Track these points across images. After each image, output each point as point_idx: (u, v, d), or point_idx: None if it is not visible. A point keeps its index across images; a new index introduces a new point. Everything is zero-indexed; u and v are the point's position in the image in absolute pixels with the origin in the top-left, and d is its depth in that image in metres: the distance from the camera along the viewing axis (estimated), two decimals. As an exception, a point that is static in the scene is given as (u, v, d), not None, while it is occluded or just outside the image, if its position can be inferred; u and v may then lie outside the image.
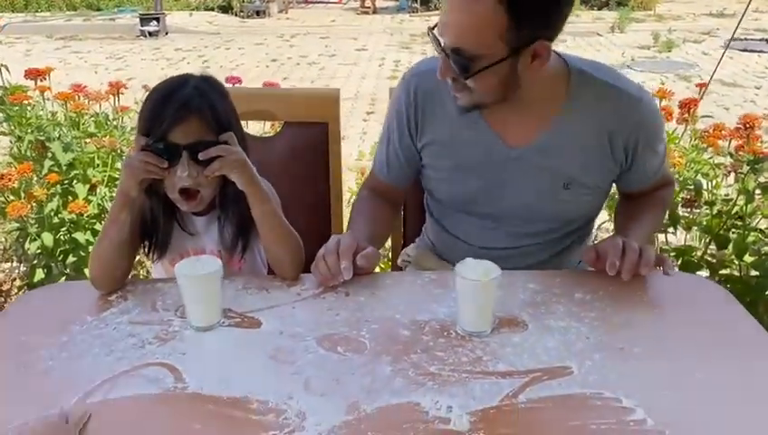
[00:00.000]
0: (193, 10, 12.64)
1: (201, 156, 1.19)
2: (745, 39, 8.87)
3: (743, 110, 5.39)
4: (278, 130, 1.82)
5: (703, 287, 1.31)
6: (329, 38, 10.10)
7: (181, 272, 1.08)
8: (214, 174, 1.21)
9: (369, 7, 12.65)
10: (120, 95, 2.38)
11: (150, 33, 10.18)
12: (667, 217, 2.14)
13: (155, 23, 10.28)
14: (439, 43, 1.20)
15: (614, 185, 1.45)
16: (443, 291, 1.22)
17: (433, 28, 1.22)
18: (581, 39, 9.35)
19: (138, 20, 10.50)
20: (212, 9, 12.68)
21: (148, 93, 1.26)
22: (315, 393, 0.95)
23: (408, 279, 1.28)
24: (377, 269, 1.31)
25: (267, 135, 2.12)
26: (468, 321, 1.07)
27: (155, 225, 1.30)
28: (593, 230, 1.60)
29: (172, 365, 1.02)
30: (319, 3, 14.17)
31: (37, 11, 12.46)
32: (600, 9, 12.17)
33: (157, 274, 1.41)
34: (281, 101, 1.80)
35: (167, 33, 10.41)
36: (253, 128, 2.01)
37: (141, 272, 2.36)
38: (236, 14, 12.26)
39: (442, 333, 1.09)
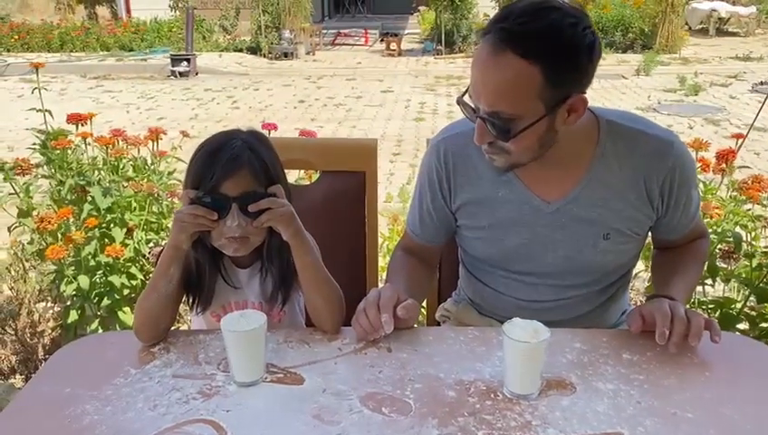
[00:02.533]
0: (222, 51, 12.94)
1: (251, 208, 1.20)
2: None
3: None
4: (313, 177, 1.84)
5: (752, 348, 1.27)
6: (355, 80, 10.25)
7: (227, 327, 1.08)
8: (262, 225, 1.22)
9: (394, 50, 12.85)
10: (159, 141, 2.42)
11: (181, 74, 10.43)
12: (709, 270, 2.10)
13: (185, 63, 10.54)
14: (473, 110, 1.19)
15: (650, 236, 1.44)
16: (486, 349, 1.20)
17: (462, 95, 1.21)
18: (606, 81, 9.37)
19: (169, 60, 10.78)
20: (241, 50, 12.96)
21: (197, 148, 1.28)
22: (362, 457, 0.93)
23: (450, 335, 1.26)
24: (415, 323, 1.31)
25: (302, 181, 2.14)
26: (516, 383, 1.06)
27: (201, 278, 1.31)
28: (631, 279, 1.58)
29: (217, 423, 1.01)
30: (345, 45, 14.43)
31: (72, 51, 12.84)
32: (624, 52, 12.22)
33: (196, 325, 1.41)
34: (319, 151, 1.82)
35: (197, 74, 10.66)
36: (288, 175, 2.03)
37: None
38: (265, 56, 12.51)
39: (489, 395, 1.07)
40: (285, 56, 12.46)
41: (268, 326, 1.16)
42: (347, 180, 1.77)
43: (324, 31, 14.84)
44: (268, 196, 1.22)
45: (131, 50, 12.76)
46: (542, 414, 1.02)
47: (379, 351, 1.20)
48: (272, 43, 12.61)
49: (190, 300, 1.34)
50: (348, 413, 1.03)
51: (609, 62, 10.96)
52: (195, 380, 1.12)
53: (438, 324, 1.62)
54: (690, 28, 13.54)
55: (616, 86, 9.27)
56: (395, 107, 8.27)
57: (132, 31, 13.50)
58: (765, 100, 2.75)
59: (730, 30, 14.53)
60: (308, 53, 12.96)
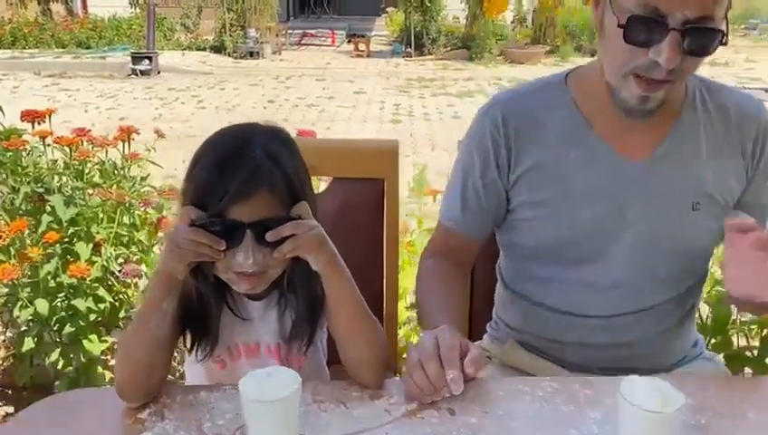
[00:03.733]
0: (185, 50, 12.50)
1: (269, 237, 0.92)
2: (744, 88, 8.84)
3: None
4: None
5: None
6: (325, 80, 9.95)
7: (250, 395, 0.80)
8: (285, 256, 0.94)
9: (363, 51, 12.60)
10: (131, 141, 2.10)
11: (142, 72, 9.98)
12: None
13: (147, 61, 10.10)
14: (657, 24, 0.97)
15: None
16: (575, 408, 0.94)
17: (627, 21, 0.99)
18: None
19: (129, 58, 10.32)
20: (204, 49, 12.55)
21: (201, 148, 0.99)
22: None
23: (524, 389, 0.99)
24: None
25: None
26: (638, 464, 0.80)
27: (203, 312, 1.02)
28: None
29: None
30: (312, 45, 14.12)
31: (25, 48, 12.23)
32: (592, 56, 12.18)
33: (191, 374, 1.11)
34: (332, 154, 1.54)
35: (159, 73, 10.22)
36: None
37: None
38: (229, 55, 12.12)
39: (599, 478, 0.81)
40: (251, 55, 12.09)
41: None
42: (363, 189, 1.49)
43: (290, 31, 14.51)
44: (291, 219, 0.94)
45: (89, 47, 12.21)
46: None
47: (440, 413, 0.93)
48: (236, 43, 12.24)
49: (188, 342, 1.04)
50: None
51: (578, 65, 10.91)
52: (203, 462, 0.83)
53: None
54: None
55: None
56: (369, 108, 8.01)
57: (90, 28, 12.93)
58: None
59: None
60: (274, 53, 12.62)
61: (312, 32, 14.91)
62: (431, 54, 12.27)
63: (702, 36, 0.98)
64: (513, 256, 1.28)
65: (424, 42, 12.36)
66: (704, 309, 1.99)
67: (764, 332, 1.95)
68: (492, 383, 1.03)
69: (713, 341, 1.99)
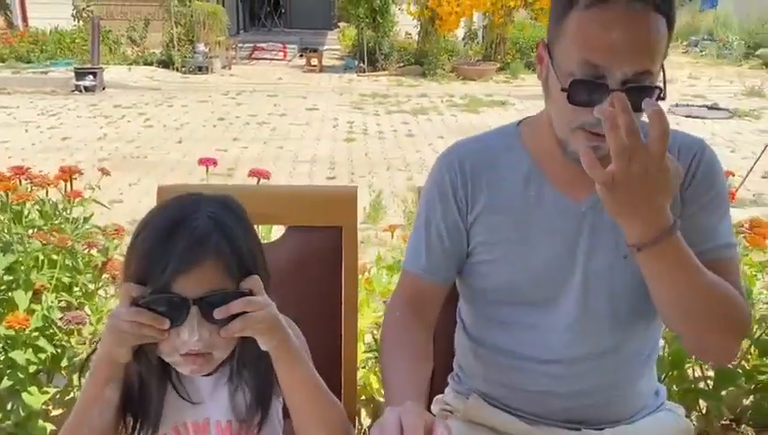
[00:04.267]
0: (131, 64, 12.19)
1: (217, 314, 0.87)
2: (688, 105, 9.16)
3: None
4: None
5: None
6: (277, 96, 9.84)
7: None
8: (233, 335, 0.89)
9: (315, 66, 12.54)
10: (74, 180, 2.00)
11: (87, 88, 9.68)
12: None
13: (91, 77, 9.80)
14: (598, 86, 0.98)
15: None
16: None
17: (569, 82, 0.99)
18: (529, 102, 9.44)
19: (72, 74, 9.99)
20: (151, 64, 12.26)
21: (143, 222, 0.93)
22: None
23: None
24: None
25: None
26: None
27: (144, 393, 0.95)
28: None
29: None
30: (263, 59, 13.98)
31: (-40, 61, 11.75)
32: (543, 72, 12.45)
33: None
34: (286, 202, 1.48)
35: (104, 89, 9.94)
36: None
37: None
38: (178, 70, 11.88)
39: None
40: (200, 70, 11.87)
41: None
42: (320, 237, 1.45)
43: (240, 45, 14.35)
44: (241, 294, 0.89)
45: (29, 61, 11.77)
46: None
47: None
48: (185, 57, 12.01)
49: (130, 424, 0.97)
50: None
51: (529, 82, 11.13)
52: None
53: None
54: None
55: (539, 106, 9.32)
56: (323, 126, 7.94)
57: (30, 41, 12.48)
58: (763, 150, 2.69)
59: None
60: (224, 68, 12.43)
61: (264, 45, 14.77)
62: (384, 70, 12.31)
63: (642, 94, 0.97)
64: (474, 300, 1.27)
65: (377, 57, 12.40)
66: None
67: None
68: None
69: (670, 373, 2.02)
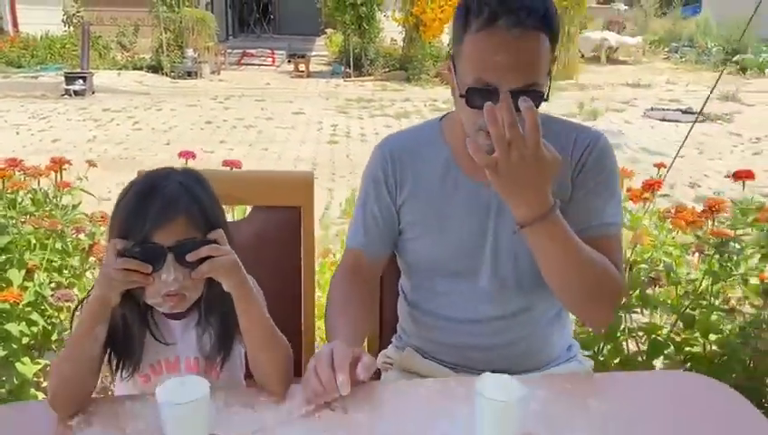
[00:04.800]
0: (121, 69, 12.35)
1: (189, 257, 1.06)
2: (663, 109, 9.41)
3: (670, 178, 5.63)
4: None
5: (713, 390, 1.25)
6: (264, 101, 10.04)
7: (165, 398, 0.94)
8: (202, 276, 1.09)
9: (303, 71, 12.74)
10: (63, 171, 2.19)
11: (76, 93, 9.83)
12: (637, 298, 2.14)
13: (81, 81, 9.96)
14: (489, 92, 1.13)
15: None
16: (451, 404, 1.12)
17: (464, 89, 1.17)
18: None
19: (62, 78, 10.15)
20: (141, 69, 12.43)
21: (123, 190, 1.13)
22: None
23: (409, 391, 1.17)
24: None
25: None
26: (491, 445, 0.98)
27: (127, 335, 1.15)
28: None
29: None
30: (252, 65, 14.17)
31: (-49, 67, 11.86)
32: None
33: (120, 391, 1.24)
34: (250, 184, 1.69)
35: (93, 93, 10.09)
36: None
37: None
38: (167, 75, 12.05)
39: (461, 459, 0.98)
40: (189, 75, 12.07)
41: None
42: (281, 216, 1.65)
43: (230, 50, 14.53)
44: (207, 242, 1.09)
45: (20, 66, 11.91)
46: (519, 478, 0.95)
47: (335, 413, 1.09)
48: (174, 62, 12.19)
49: (114, 362, 1.17)
50: (308, 491, 0.91)
51: (512, 86, 11.31)
52: (125, 460, 0.97)
53: (379, 373, 1.52)
54: (583, 56, 14.28)
55: (520, 110, 9.57)
56: (307, 129, 8.15)
57: (21, 46, 12.62)
58: (689, 131, 2.89)
59: (620, 58, 15.47)
60: (213, 73, 12.63)
61: (252, 51, 14.98)
62: (370, 75, 12.53)
63: (528, 95, 1.09)
64: (409, 272, 1.48)
65: (363, 63, 12.62)
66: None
67: (652, 337, 2.18)
68: (383, 386, 1.19)
69: (607, 347, 2.22)
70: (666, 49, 16.69)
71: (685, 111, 9.13)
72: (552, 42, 1.18)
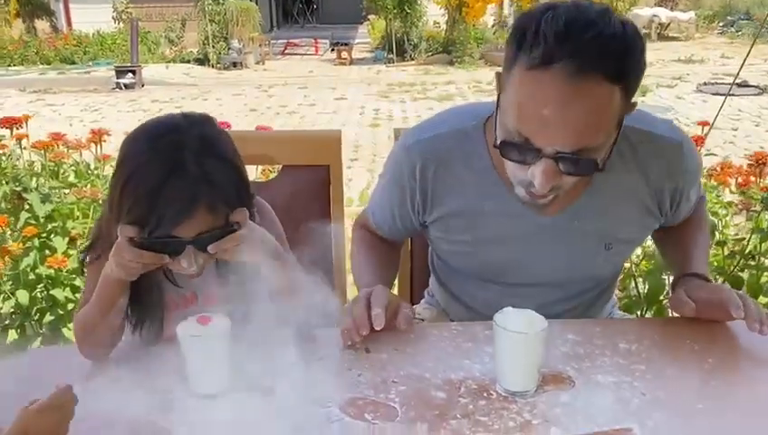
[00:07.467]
0: (169, 63, 12.63)
1: (210, 249, 1.02)
2: (716, 83, 9.07)
3: (723, 151, 5.43)
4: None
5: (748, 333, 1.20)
6: (307, 88, 10.11)
7: (186, 333, 0.95)
8: (224, 258, 1.06)
9: (345, 59, 12.77)
10: (103, 143, 2.25)
11: (126, 86, 10.10)
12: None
13: (131, 75, 10.22)
14: (529, 151, 0.98)
15: None
16: (473, 345, 1.10)
17: (499, 140, 1.01)
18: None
19: (113, 72, 10.43)
20: (188, 61, 12.68)
21: (131, 139, 1.07)
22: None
23: (432, 332, 1.15)
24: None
25: (260, 180, 2.02)
26: (511, 380, 0.96)
27: (147, 300, 1.12)
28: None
29: (177, 441, 0.88)
30: (296, 55, 14.29)
31: (10, 65, 12.33)
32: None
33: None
34: (279, 144, 1.70)
35: (143, 86, 10.34)
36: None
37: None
38: (213, 66, 12.26)
39: (481, 394, 0.96)
40: (234, 66, 12.25)
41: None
42: (310, 175, 1.65)
43: (274, 41, 14.68)
44: (229, 230, 1.03)
45: (73, 63, 12.32)
46: (542, 412, 0.92)
47: (357, 352, 1.08)
48: (220, 54, 12.38)
49: (133, 325, 1.13)
50: (327, 423, 0.91)
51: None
52: (153, 395, 0.98)
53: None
54: (633, 33, 13.83)
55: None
56: (349, 114, 8.17)
57: (74, 44, 13.05)
58: (724, 101, 2.79)
59: (671, 35, 14.95)
60: (258, 63, 12.77)
61: (296, 41, 15.09)
62: (413, 60, 12.46)
63: (576, 163, 0.97)
64: (440, 260, 1.39)
65: (405, 47, 12.56)
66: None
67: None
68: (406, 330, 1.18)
69: (650, 311, 2.16)
70: (720, 24, 16.05)
71: (740, 85, 8.75)
72: (628, 93, 0.97)
